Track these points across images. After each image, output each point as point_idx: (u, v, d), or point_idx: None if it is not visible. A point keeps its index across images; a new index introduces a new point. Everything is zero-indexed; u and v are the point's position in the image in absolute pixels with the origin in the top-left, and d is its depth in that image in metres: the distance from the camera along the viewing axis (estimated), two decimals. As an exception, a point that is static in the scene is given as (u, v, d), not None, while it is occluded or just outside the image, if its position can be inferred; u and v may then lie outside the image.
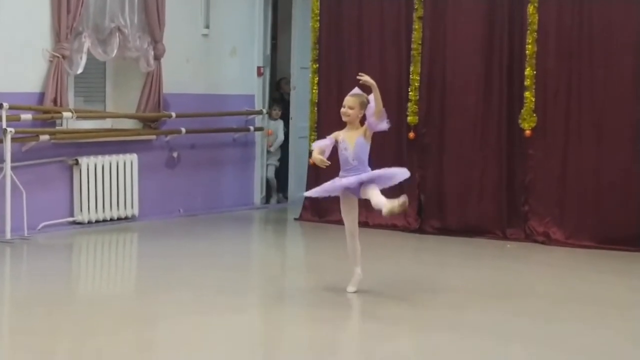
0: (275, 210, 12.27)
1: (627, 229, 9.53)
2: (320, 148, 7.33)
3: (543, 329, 6.54)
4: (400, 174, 7.28)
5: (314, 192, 7.51)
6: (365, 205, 7.53)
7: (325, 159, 7.21)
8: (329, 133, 11.04)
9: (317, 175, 10.49)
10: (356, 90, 7.37)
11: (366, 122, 7.24)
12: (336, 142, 7.28)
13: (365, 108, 7.23)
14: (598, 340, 6.32)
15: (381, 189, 7.11)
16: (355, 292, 7.30)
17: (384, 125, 7.25)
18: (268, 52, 12.65)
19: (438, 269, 8.68)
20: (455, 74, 10.38)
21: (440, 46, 10.45)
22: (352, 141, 7.19)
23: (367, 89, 7.27)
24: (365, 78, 7.19)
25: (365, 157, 7.22)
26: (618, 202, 9.60)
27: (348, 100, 7.27)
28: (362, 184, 7.08)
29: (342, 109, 7.29)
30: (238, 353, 5.89)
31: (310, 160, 11.09)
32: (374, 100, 7.17)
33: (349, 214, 7.36)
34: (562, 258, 9.34)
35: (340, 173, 7.25)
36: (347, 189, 7.17)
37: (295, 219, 11.28)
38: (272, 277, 8.55)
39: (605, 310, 7.23)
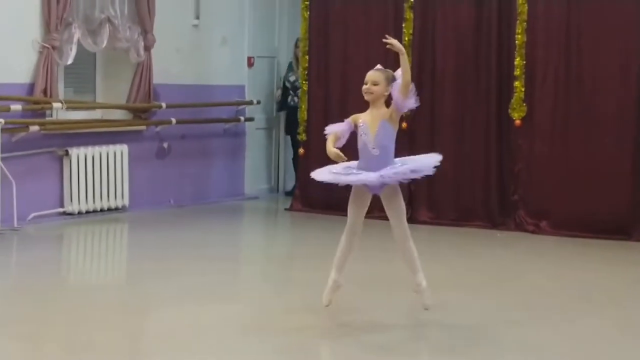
0: (266, 201, 12.26)
1: (616, 219, 9.56)
2: (334, 135, 6.03)
3: (533, 319, 6.56)
4: (429, 164, 6.04)
5: (323, 176, 6.09)
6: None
7: (341, 154, 5.94)
8: (319, 124, 11.08)
9: (306, 166, 10.48)
10: (379, 67, 6.21)
11: (392, 103, 6.03)
12: (355, 126, 6.06)
13: (391, 85, 6.00)
14: (588, 329, 6.35)
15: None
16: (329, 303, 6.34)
17: (412, 103, 6.02)
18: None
19: (428, 258, 8.67)
20: (445, 64, 10.40)
21: (430, 36, 10.46)
22: (374, 125, 5.97)
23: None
24: (392, 41, 5.96)
25: (392, 144, 6.02)
26: (607, 191, 9.62)
27: (371, 75, 6.01)
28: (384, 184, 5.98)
29: (364, 87, 6.01)
30: (229, 342, 5.90)
31: (301, 152, 11.16)
32: (398, 74, 6.00)
33: (358, 209, 6.14)
34: (552, 247, 9.38)
35: (359, 162, 6.07)
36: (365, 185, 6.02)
37: (286, 209, 11.29)
38: (262, 267, 8.57)
39: (595, 299, 7.26)
